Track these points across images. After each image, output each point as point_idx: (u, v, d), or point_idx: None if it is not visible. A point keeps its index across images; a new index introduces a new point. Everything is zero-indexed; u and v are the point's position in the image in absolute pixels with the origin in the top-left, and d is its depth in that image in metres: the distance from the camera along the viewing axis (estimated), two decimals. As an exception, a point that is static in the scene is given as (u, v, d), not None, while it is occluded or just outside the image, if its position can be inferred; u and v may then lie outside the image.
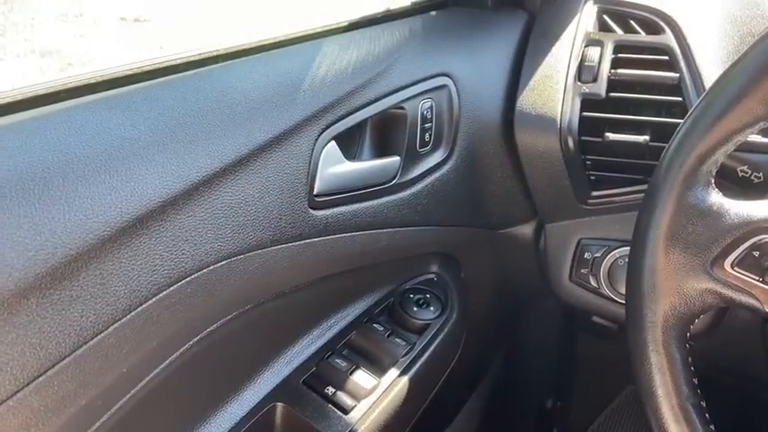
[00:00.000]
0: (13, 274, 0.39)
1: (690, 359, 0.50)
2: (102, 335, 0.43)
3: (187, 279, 0.48)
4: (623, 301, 0.74)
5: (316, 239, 0.58)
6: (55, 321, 0.41)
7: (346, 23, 0.71)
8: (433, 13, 0.79)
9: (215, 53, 0.56)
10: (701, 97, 0.49)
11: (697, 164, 0.47)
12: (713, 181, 0.49)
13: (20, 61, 4.17)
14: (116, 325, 0.44)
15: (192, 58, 0.54)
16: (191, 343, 0.52)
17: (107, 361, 0.44)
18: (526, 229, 0.83)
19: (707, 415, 0.49)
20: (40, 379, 0.41)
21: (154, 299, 0.46)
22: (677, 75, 0.70)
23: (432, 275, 0.79)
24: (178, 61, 0.53)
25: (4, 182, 0.40)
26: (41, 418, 0.41)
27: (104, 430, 0.47)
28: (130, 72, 0.51)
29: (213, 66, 0.55)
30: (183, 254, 0.47)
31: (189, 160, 0.47)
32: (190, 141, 0.48)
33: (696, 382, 0.50)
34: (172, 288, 0.47)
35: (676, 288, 0.49)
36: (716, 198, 0.49)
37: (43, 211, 0.41)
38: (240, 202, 0.51)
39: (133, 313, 0.45)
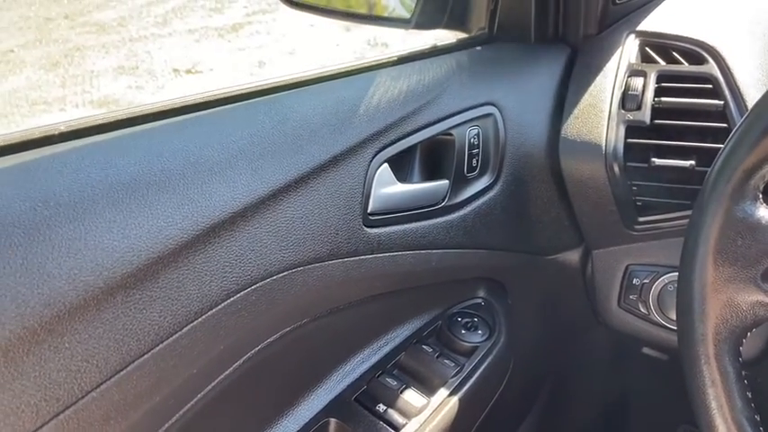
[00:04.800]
0: (103, 273, 0.42)
1: (743, 373, 0.50)
2: (178, 335, 0.46)
3: (253, 287, 0.50)
4: (674, 327, 0.74)
5: (369, 256, 0.61)
6: (137, 319, 0.44)
7: (396, 58, 0.75)
8: (479, 47, 0.83)
9: (279, 83, 0.60)
10: (747, 113, 0.50)
11: (744, 178, 0.49)
12: (761, 196, 0.50)
13: (78, 111, 4.37)
14: (189, 326, 0.47)
15: (260, 88, 0.58)
16: (253, 351, 0.54)
17: (181, 360, 0.47)
18: (573, 256, 0.84)
19: (762, 429, 0.49)
20: (122, 373, 0.44)
21: (223, 304, 0.49)
22: (721, 102, 0.71)
23: (479, 300, 0.80)
24: (247, 90, 0.58)
25: (97, 190, 0.44)
26: (121, 411, 0.44)
27: (174, 430, 0.49)
28: (204, 99, 0.55)
29: (277, 94, 0.59)
30: (249, 262, 0.50)
31: (256, 177, 0.51)
32: (257, 160, 0.52)
33: (750, 395, 0.50)
34: (239, 294, 0.50)
35: (727, 301, 0.50)
36: (764, 212, 0.49)
37: (130, 217, 0.44)
38: (301, 217, 0.54)
39: (205, 316, 0.48)
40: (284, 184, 0.53)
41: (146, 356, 0.45)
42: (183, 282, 0.46)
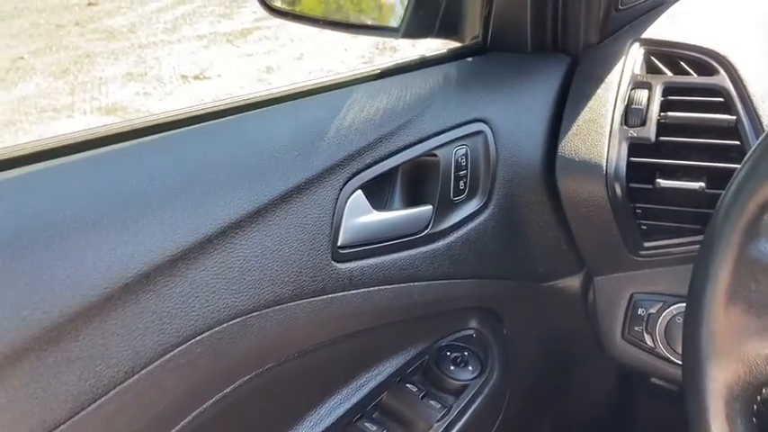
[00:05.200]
0: (6, 336, 0.37)
1: None
2: (102, 400, 0.41)
3: (197, 338, 0.45)
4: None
5: (339, 294, 0.55)
6: (50, 386, 0.38)
7: (379, 71, 0.69)
8: (470, 59, 0.77)
9: (241, 102, 0.54)
10: (761, 138, 0.44)
11: (758, 213, 0.42)
12: None
13: (86, 119, 4.36)
14: (117, 389, 0.41)
15: (217, 109, 0.53)
16: (201, 409, 0.48)
17: (107, 429, 0.41)
18: (573, 282, 0.78)
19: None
20: None
21: (160, 360, 0.43)
22: (734, 117, 0.65)
23: (470, 331, 0.74)
24: (200, 112, 0.52)
25: (2, 238, 0.39)
26: None
27: None
28: (148, 124, 0.50)
29: (237, 116, 0.54)
30: (192, 311, 0.45)
31: (203, 212, 0.45)
32: (205, 193, 0.46)
33: None
34: (180, 348, 0.44)
35: (739, 354, 0.43)
36: None
37: (42, 268, 0.39)
38: (257, 256, 0.48)
39: (137, 376, 0.42)
40: (236, 220, 0.47)
41: (62, 427, 0.39)
42: (108, 338, 0.40)
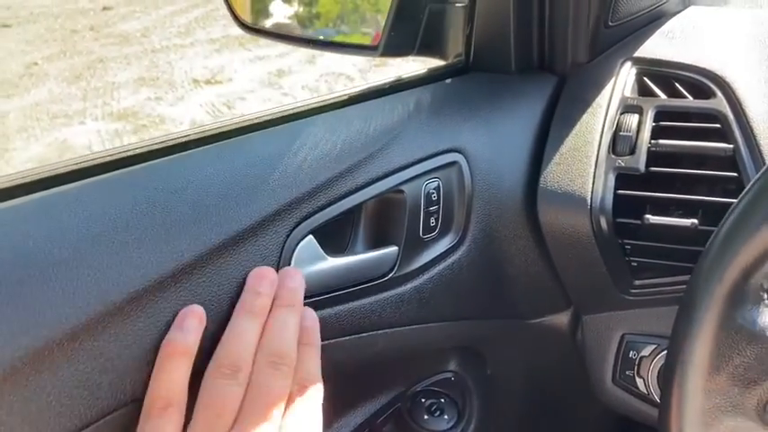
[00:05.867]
0: None
1: None
2: None
3: (104, 419, 0.40)
4: None
5: None
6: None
7: (344, 97, 0.64)
8: (448, 80, 0.72)
9: (183, 138, 0.50)
10: (746, 190, 0.39)
11: (742, 279, 0.37)
12: (766, 297, 0.38)
13: (98, 124, 4.37)
14: None
15: (155, 147, 0.48)
16: None
17: None
18: (561, 319, 0.72)
19: None
20: None
21: None
22: (731, 146, 0.59)
23: (449, 374, 0.69)
24: (132, 152, 0.47)
25: None
26: None
27: None
28: (73, 167, 0.45)
29: (177, 155, 0.49)
30: (101, 387, 0.40)
31: (110, 276, 0.41)
32: (112, 254, 0.41)
33: None
34: (89, 428, 0.39)
35: None
36: None
37: None
38: None
39: None
40: (156, 280, 0.42)
41: None
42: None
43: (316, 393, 0.46)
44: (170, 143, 0.50)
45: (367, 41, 0.81)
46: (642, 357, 0.66)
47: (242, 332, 0.44)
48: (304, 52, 4.98)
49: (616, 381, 0.68)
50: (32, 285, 0.38)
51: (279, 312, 0.46)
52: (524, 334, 0.72)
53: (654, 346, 0.65)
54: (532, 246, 0.65)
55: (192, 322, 0.43)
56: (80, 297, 0.39)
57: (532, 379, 0.77)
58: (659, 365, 0.65)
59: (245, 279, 0.47)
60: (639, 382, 0.66)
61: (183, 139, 0.51)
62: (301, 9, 0.88)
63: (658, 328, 0.65)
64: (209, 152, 0.50)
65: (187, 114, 4.25)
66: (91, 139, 3.96)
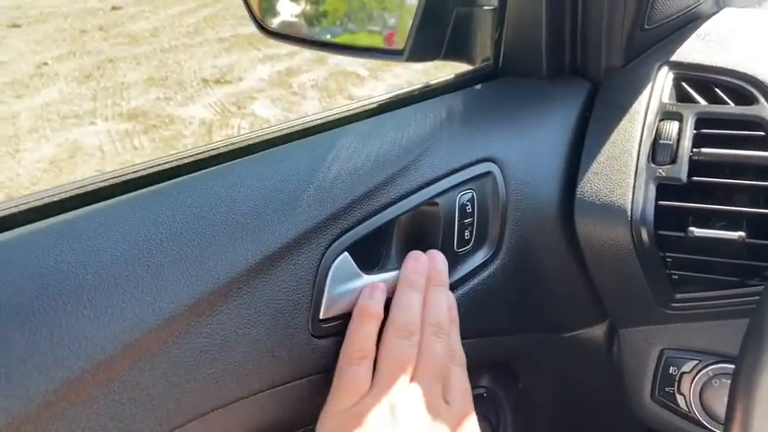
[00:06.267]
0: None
1: None
2: None
3: None
4: None
5: (322, 375, 0.48)
6: None
7: (375, 105, 0.62)
8: (478, 86, 0.69)
9: (203, 155, 0.48)
10: None
11: None
12: None
13: (108, 125, 4.37)
14: None
15: (175, 164, 0.46)
16: None
17: None
18: (596, 332, 0.70)
19: None
20: None
21: None
22: None
23: (481, 390, 0.67)
24: (141, 172, 0.45)
25: None
26: None
27: None
28: (90, 186, 0.43)
29: (200, 173, 0.47)
30: (136, 419, 0.38)
31: (146, 302, 0.39)
32: (146, 278, 0.39)
33: None
34: None
35: None
36: None
37: None
38: (218, 344, 0.42)
39: None
40: (189, 305, 0.40)
41: None
42: None
43: (463, 362, 0.54)
44: (199, 156, 0.48)
45: (375, 40, 0.79)
46: (683, 373, 0.63)
47: (410, 303, 0.51)
48: (314, 52, 4.96)
49: (655, 397, 0.65)
50: (66, 313, 0.37)
51: (434, 290, 0.54)
52: (558, 348, 0.70)
53: (695, 362, 0.63)
54: (568, 258, 0.63)
55: (379, 293, 0.51)
56: (115, 324, 0.38)
57: (566, 394, 0.74)
58: (701, 382, 0.62)
59: (280, 300, 0.45)
60: (680, 399, 0.64)
61: (212, 153, 0.49)
62: (308, 8, 0.86)
63: (700, 344, 0.63)
64: (240, 166, 0.48)
65: (197, 114, 4.25)
66: (101, 139, 3.96)
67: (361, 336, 0.49)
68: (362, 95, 4.21)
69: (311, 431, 0.50)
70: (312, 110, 3.99)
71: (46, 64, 5.27)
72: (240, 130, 3.86)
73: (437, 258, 0.55)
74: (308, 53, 4.93)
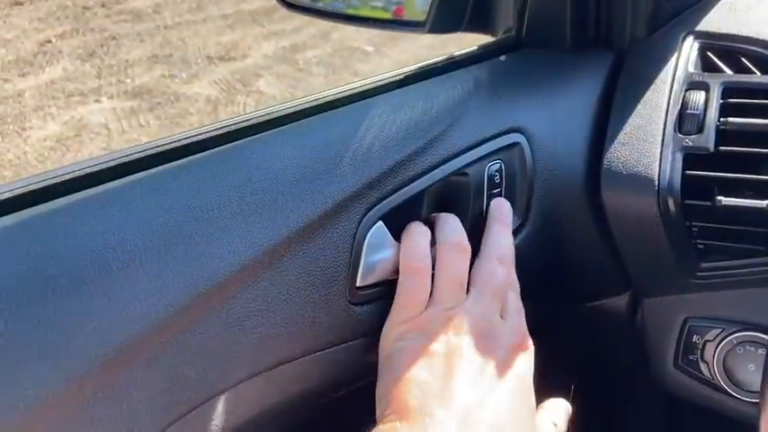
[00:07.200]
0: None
1: None
2: None
3: (193, 412, 0.39)
4: (748, 399, 0.61)
5: (361, 341, 0.49)
6: None
7: (401, 76, 0.62)
8: (502, 57, 0.69)
9: (233, 126, 0.48)
10: None
11: None
12: None
13: (113, 102, 4.36)
14: None
15: (204, 136, 0.46)
16: None
17: None
18: (619, 302, 0.70)
19: None
20: None
21: None
22: None
23: None
24: (182, 142, 0.45)
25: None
26: None
27: None
28: (126, 158, 0.44)
29: (231, 144, 0.47)
30: (186, 382, 0.39)
31: (193, 267, 0.39)
32: (194, 244, 0.40)
33: None
34: (178, 423, 0.39)
35: None
36: None
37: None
38: (261, 310, 0.43)
39: None
40: (235, 271, 0.41)
41: None
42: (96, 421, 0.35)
43: (518, 289, 0.57)
44: (233, 127, 0.49)
45: (381, 14, 0.79)
46: (706, 341, 0.64)
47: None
48: (318, 27, 4.92)
49: (678, 365, 0.66)
50: (119, 279, 0.37)
51: (500, 226, 0.57)
52: (581, 317, 0.71)
53: (719, 330, 0.64)
54: (594, 227, 0.64)
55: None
56: (167, 290, 0.38)
57: (588, 363, 0.75)
58: (725, 350, 0.63)
59: (320, 266, 0.46)
60: (703, 366, 0.65)
61: (249, 123, 0.49)
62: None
63: (724, 312, 0.64)
64: (279, 136, 0.49)
65: (202, 92, 4.23)
66: (107, 117, 3.96)
67: (415, 249, 0.50)
68: (368, 71, 4.18)
69: (345, 396, 0.51)
70: (318, 87, 3.97)
71: (49, 42, 5.23)
72: (246, 108, 3.84)
73: (501, 202, 0.59)
74: (312, 29, 4.89)
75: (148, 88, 4.27)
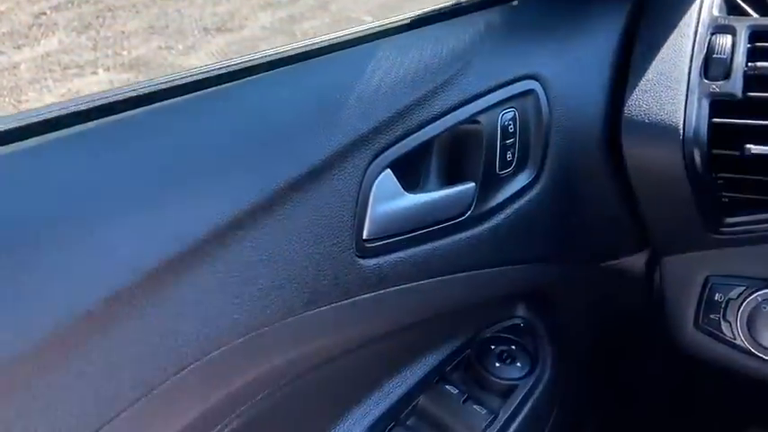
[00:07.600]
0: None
1: None
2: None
3: (196, 364, 0.37)
4: None
5: (367, 295, 0.46)
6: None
7: (408, 20, 0.58)
8: (515, 2, 0.65)
9: (236, 66, 0.44)
10: None
11: None
12: None
13: (110, 75, 4.30)
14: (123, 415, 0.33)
15: (204, 75, 0.43)
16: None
17: None
18: (637, 261, 0.67)
19: None
20: None
21: (156, 390, 0.35)
22: None
23: (518, 320, 0.65)
24: (183, 80, 0.42)
25: None
26: None
27: None
28: (121, 96, 0.40)
29: (233, 83, 0.44)
30: (183, 336, 0.36)
31: (190, 213, 0.36)
32: (187, 188, 0.37)
33: None
34: (177, 377, 0.36)
35: None
36: None
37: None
38: (263, 260, 0.40)
39: (126, 412, 0.34)
40: (234, 219, 0.38)
41: None
42: (82, 377, 0.32)
43: None
44: (232, 68, 0.45)
45: None
46: (729, 300, 0.61)
47: None
48: (316, -1, 4.84)
49: (698, 325, 0.63)
50: (102, 225, 0.34)
51: None
52: (597, 278, 0.68)
53: (743, 288, 0.61)
54: (613, 181, 0.60)
55: None
56: (156, 238, 0.35)
57: (604, 325, 0.72)
58: (749, 308, 0.60)
59: (325, 216, 0.42)
60: (725, 326, 0.62)
61: (245, 65, 0.45)
62: None
63: (749, 269, 0.61)
64: (278, 76, 0.45)
65: (199, 64, 4.17)
66: (104, 89, 3.90)
67: None
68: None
69: (352, 350, 0.48)
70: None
71: (44, 14, 5.14)
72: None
73: None
74: (310, 0, 4.81)
75: (145, 60, 4.20)
